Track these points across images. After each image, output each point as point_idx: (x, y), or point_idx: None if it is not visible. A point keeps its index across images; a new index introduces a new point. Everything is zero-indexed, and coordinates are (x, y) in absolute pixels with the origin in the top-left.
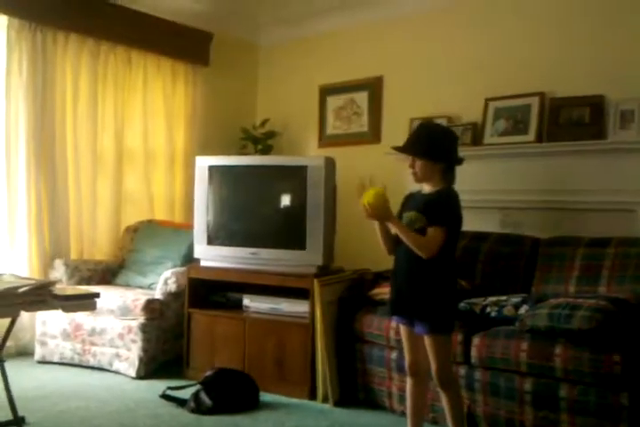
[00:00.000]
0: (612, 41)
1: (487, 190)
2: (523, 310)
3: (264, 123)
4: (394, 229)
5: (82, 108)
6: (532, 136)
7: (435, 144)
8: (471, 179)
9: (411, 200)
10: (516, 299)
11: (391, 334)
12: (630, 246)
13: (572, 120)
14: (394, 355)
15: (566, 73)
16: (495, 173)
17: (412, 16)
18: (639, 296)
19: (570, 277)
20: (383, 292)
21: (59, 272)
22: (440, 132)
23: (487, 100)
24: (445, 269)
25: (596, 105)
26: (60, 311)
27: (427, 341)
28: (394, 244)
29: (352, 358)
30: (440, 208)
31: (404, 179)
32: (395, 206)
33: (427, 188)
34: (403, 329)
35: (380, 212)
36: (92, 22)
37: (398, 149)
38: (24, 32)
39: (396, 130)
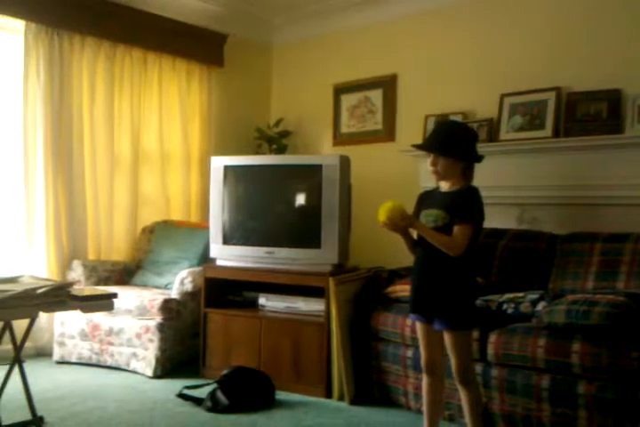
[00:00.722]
0: (630, 35)
1: (504, 187)
2: (540, 306)
3: (278, 122)
4: (417, 233)
5: (98, 111)
6: (548, 131)
7: (458, 142)
8: (488, 175)
9: (429, 198)
10: (533, 295)
11: (407, 331)
12: None
13: (590, 115)
14: (409, 353)
15: (583, 67)
16: (512, 170)
17: (425, 13)
18: None
19: (588, 273)
20: (398, 289)
21: (77, 273)
22: (462, 130)
23: (503, 96)
24: (466, 266)
25: (614, 99)
26: (78, 312)
27: (447, 337)
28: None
29: (367, 356)
30: (467, 206)
31: (419, 176)
32: (409, 204)
33: (446, 185)
34: (420, 327)
35: (400, 223)
36: (107, 25)
37: (421, 148)
38: (41, 36)
39: (411, 127)
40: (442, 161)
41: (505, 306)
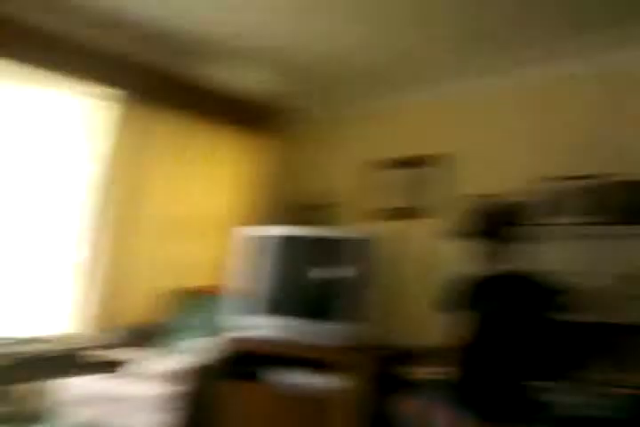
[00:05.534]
0: None
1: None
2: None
3: (321, 195)
4: None
5: (158, 179)
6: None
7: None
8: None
9: None
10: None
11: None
12: None
13: None
14: None
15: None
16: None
17: (469, 97)
18: None
19: None
20: (427, 371)
21: (93, 335)
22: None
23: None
24: None
25: None
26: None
27: None
28: None
29: None
30: None
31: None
32: None
33: None
34: None
35: None
36: (185, 102)
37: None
38: (128, 108)
39: (457, 207)
40: None
41: None
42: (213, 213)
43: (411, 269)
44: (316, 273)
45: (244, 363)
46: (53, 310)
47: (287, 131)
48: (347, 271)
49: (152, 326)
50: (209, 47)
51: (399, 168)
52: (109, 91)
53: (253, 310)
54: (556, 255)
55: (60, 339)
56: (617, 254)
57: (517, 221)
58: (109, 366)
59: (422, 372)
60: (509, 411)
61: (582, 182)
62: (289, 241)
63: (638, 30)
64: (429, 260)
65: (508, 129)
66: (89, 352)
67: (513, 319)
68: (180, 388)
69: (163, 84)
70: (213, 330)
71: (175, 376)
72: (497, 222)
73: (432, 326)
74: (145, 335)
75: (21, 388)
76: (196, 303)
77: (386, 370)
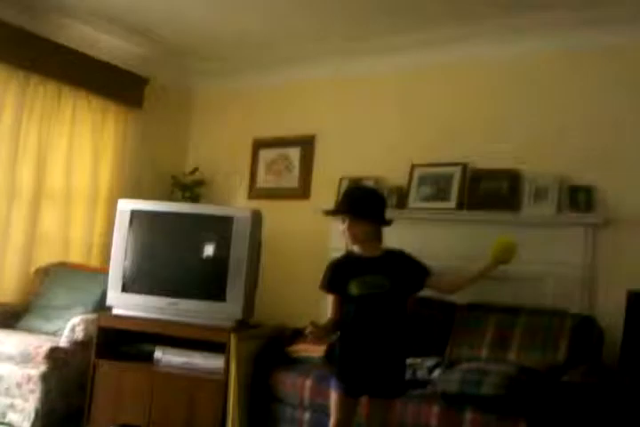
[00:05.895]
0: (531, 119)
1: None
2: (436, 373)
3: (194, 171)
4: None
5: (2, 140)
6: (453, 203)
7: (374, 206)
8: (395, 241)
9: (355, 265)
10: (430, 362)
11: (306, 393)
12: (538, 316)
13: (491, 191)
14: (307, 416)
15: (487, 146)
16: (418, 237)
17: (347, 79)
18: (545, 365)
19: (482, 343)
20: (301, 349)
21: None
22: (377, 195)
23: (413, 166)
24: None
25: (513, 179)
26: None
27: (382, 405)
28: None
29: (264, 419)
30: (417, 261)
31: (330, 236)
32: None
33: (367, 250)
34: (344, 401)
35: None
36: (23, 55)
37: (341, 213)
38: None
39: (325, 188)
40: (361, 225)
41: None
42: (88, 186)
43: (292, 248)
44: (196, 251)
45: (121, 342)
46: None
47: (161, 105)
48: (227, 250)
49: (24, 303)
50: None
51: (277, 147)
52: None
53: (130, 288)
54: (413, 237)
55: None
56: (460, 238)
57: (382, 203)
58: None
59: (303, 349)
60: (385, 387)
61: (439, 169)
62: (168, 217)
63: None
64: (309, 239)
65: (384, 113)
66: None
67: (384, 297)
68: (49, 367)
69: (17, 42)
70: (88, 308)
71: (44, 355)
72: (365, 204)
73: (313, 305)
74: (15, 313)
75: None
76: (71, 280)
77: (267, 349)
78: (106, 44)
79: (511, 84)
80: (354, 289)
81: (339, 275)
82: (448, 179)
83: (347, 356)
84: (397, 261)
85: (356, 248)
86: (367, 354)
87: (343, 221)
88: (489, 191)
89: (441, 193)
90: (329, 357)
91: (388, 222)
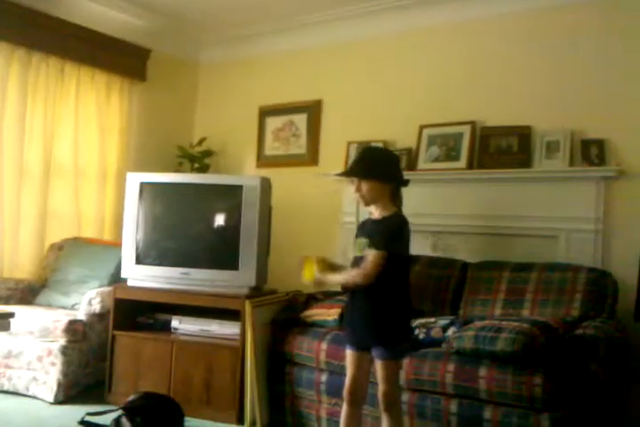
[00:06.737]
0: (541, 74)
1: (420, 214)
2: (450, 332)
3: (201, 141)
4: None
5: (8, 119)
6: (463, 163)
7: (378, 165)
8: (405, 203)
9: (363, 227)
10: (443, 321)
11: (322, 356)
12: (552, 271)
13: (501, 149)
14: (323, 378)
15: (497, 103)
16: (428, 198)
17: (350, 43)
18: (560, 320)
19: (496, 301)
20: (315, 313)
21: None
22: (383, 154)
23: (421, 127)
24: (396, 297)
25: (524, 135)
26: None
27: (379, 365)
28: None
29: (282, 382)
30: (380, 233)
31: (341, 200)
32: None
33: (376, 212)
34: (352, 355)
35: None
36: (23, 32)
37: (343, 175)
38: None
39: (334, 153)
40: (364, 185)
41: (417, 331)
42: (97, 161)
43: (303, 214)
44: (207, 221)
45: (137, 313)
46: None
47: (165, 77)
48: (238, 218)
49: (40, 279)
50: None
51: (283, 114)
52: None
53: (143, 260)
54: (424, 199)
55: None
56: (471, 197)
57: (395, 163)
58: None
59: (318, 314)
60: (368, 339)
61: (448, 129)
62: (178, 188)
63: None
64: (320, 205)
65: (390, 75)
66: None
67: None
68: (68, 340)
69: (17, 18)
70: (104, 281)
71: (63, 329)
72: (372, 164)
73: None
74: (32, 288)
75: None
76: (86, 254)
77: (282, 314)
78: (106, 17)
79: (515, 40)
80: (353, 251)
81: (356, 235)
82: (457, 138)
83: (345, 312)
84: (376, 227)
85: (371, 210)
86: (351, 309)
87: (353, 183)
88: (500, 149)
89: (451, 153)
90: (342, 319)
91: (402, 182)
